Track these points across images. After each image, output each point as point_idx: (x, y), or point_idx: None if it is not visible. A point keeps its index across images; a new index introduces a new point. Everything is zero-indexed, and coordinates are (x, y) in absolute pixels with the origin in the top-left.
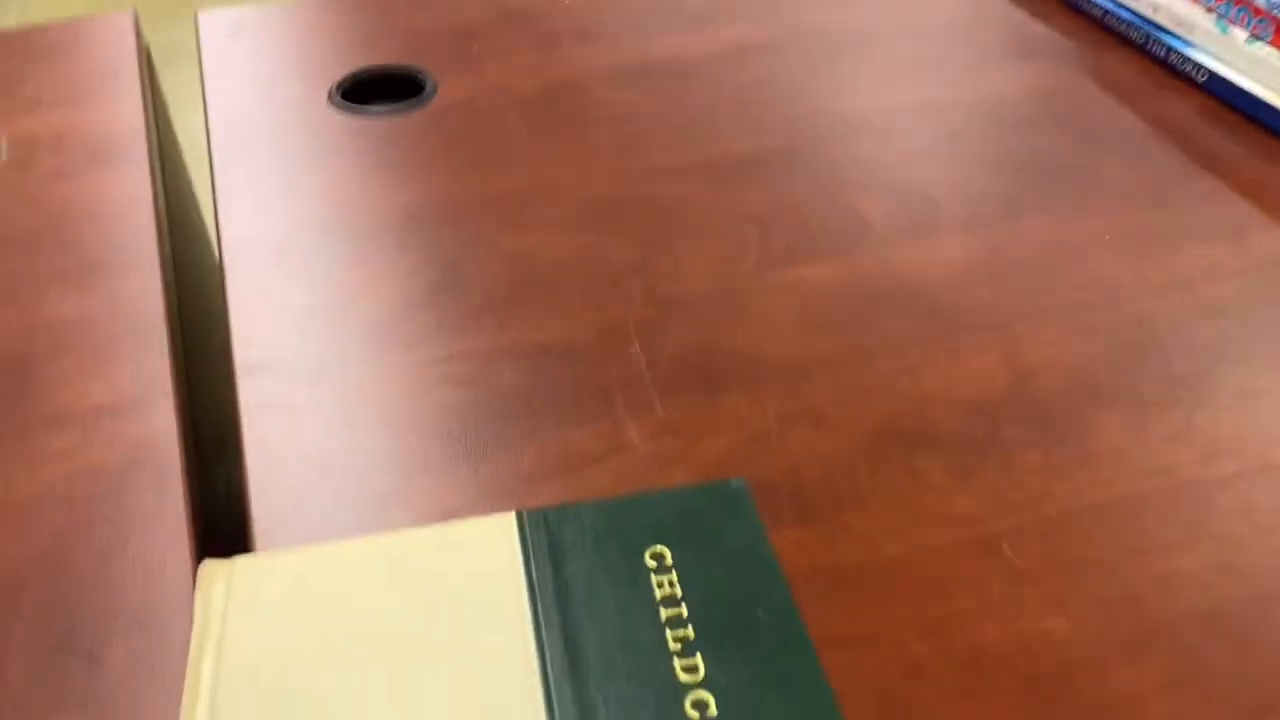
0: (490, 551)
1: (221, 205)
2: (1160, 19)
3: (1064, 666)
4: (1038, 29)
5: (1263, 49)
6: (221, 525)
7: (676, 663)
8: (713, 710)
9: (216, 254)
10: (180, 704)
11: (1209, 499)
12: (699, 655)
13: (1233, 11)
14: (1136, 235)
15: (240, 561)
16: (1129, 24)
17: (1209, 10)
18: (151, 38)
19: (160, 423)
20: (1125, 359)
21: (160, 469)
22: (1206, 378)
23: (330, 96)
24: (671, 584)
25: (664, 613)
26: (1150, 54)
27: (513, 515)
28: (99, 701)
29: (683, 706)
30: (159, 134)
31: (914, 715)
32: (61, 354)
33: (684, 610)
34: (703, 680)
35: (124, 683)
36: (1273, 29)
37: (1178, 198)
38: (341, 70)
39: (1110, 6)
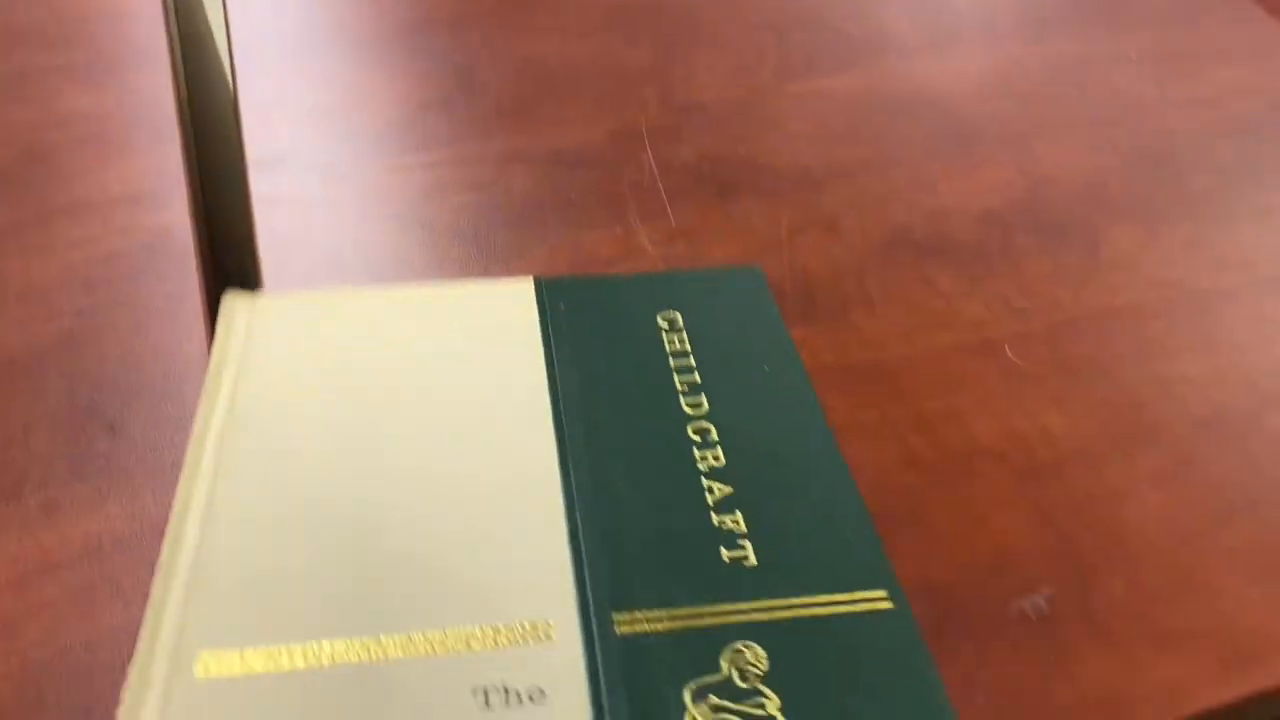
0: (508, 307)
1: (231, 2)
2: None
3: (1057, 460)
4: None
5: None
6: None
7: (683, 399)
8: (714, 434)
9: (227, 51)
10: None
11: (1216, 309)
12: (703, 395)
13: None
14: (1164, 54)
15: (264, 297)
16: None
17: None
18: None
19: (175, 214)
20: (1142, 174)
21: (176, 257)
22: (1222, 193)
23: None
24: (682, 341)
25: (673, 361)
26: None
27: (530, 279)
28: (122, 469)
29: (685, 431)
30: None
31: (907, 502)
32: (78, 147)
33: (692, 360)
34: (706, 414)
35: (143, 452)
36: None
37: (1209, 19)
38: None
39: None
